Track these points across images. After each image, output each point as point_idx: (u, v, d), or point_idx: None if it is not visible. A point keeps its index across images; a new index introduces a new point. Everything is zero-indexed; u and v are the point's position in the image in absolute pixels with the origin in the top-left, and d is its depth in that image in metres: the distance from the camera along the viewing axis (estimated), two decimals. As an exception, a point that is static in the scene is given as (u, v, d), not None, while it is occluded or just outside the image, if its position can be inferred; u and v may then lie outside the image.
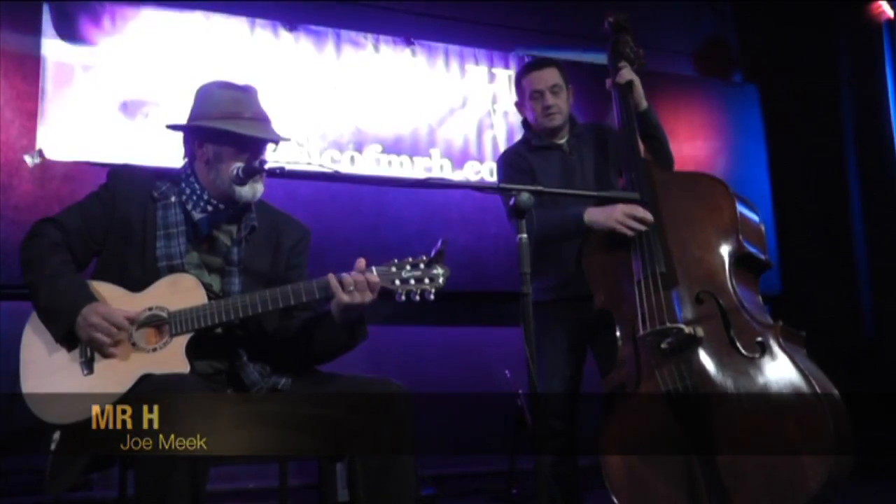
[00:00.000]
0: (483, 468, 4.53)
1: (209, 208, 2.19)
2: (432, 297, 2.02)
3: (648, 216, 2.67)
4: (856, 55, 5.69)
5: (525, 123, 3.11)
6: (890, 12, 5.47)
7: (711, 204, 2.72)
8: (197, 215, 2.19)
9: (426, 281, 2.02)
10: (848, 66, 5.73)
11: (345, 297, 2.00)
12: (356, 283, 2.00)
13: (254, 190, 2.16)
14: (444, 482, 4.35)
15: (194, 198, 2.19)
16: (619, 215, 2.68)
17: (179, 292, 2.05)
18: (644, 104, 2.97)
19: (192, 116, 2.22)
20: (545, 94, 2.95)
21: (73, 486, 2.03)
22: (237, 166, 2.12)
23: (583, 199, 2.82)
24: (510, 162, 3.04)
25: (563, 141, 3.02)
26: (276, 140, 2.18)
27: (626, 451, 2.57)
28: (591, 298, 2.78)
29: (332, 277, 2.02)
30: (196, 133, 2.19)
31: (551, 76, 2.97)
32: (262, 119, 2.19)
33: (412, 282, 2.02)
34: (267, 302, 2.04)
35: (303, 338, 2.17)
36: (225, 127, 2.11)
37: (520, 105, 3.09)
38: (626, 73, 2.97)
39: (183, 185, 2.21)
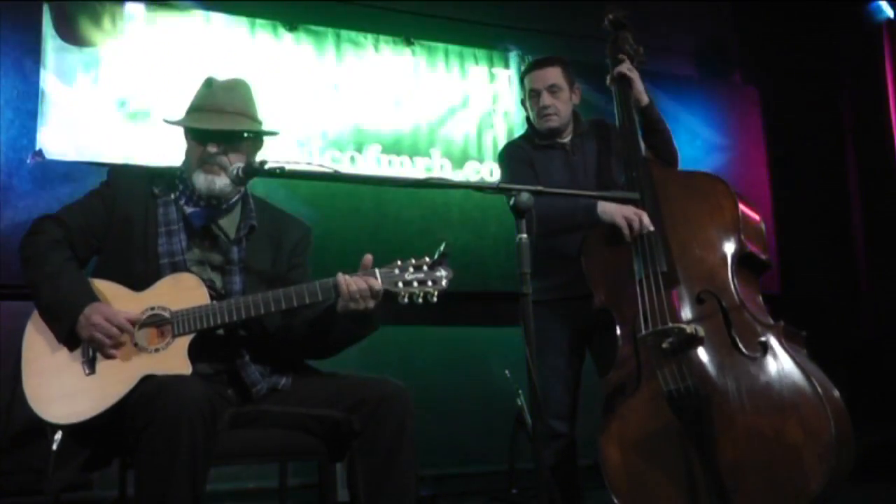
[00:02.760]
0: (483, 468, 4.53)
1: (201, 203, 2.19)
2: (435, 299, 2.02)
3: (650, 227, 2.67)
4: (856, 55, 5.69)
5: (529, 120, 3.09)
6: (890, 12, 5.46)
7: (713, 203, 2.72)
8: (188, 209, 2.19)
9: (429, 283, 2.02)
10: (848, 66, 5.73)
11: (349, 305, 2.02)
12: (360, 292, 2.01)
13: (207, 181, 2.14)
14: (444, 482, 4.35)
15: (187, 193, 2.20)
16: (628, 212, 2.68)
17: (182, 291, 2.05)
18: (645, 99, 2.96)
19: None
20: (542, 94, 2.94)
21: (73, 486, 2.02)
22: (237, 166, 2.12)
23: (585, 198, 2.82)
24: (513, 155, 3.03)
25: (566, 140, 3.01)
26: (228, 131, 2.15)
27: (627, 451, 2.57)
28: (591, 298, 2.78)
29: (340, 278, 2.02)
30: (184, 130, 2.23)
31: (551, 75, 2.95)
32: (224, 111, 2.16)
33: (415, 284, 2.02)
34: (270, 303, 2.04)
35: (309, 334, 2.18)
36: (181, 122, 2.18)
37: (524, 102, 3.08)
38: (626, 69, 2.96)
39: (177, 181, 2.22)
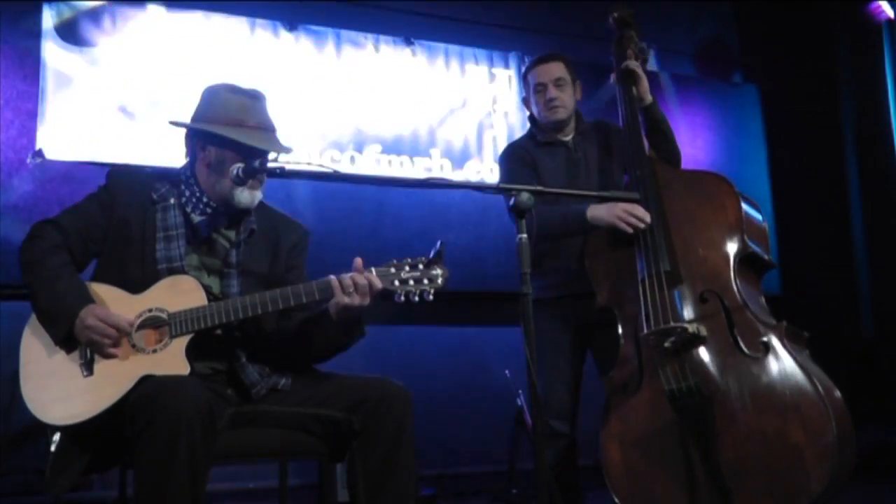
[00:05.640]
0: (483, 468, 4.53)
1: (208, 211, 2.18)
2: (431, 297, 2.02)
3: (647, 217, 2.67)
4: (856, 55, 5.69)
5: (531, 119, 3.10)
6: (890, 12, 5.46)
7: (716, 202, 2.72)
8: (196, 218, 2.18)
9: (425, 282, 2.02)
10: (848, 66, 5.72)
11: (345, 300, 2.01)
12: (357, 287, 2.00)
13: (252, 196, 2.16)
14: (444, 482, 4.35)
15: (193, 200, 2.18)
16: (620, 212, 2.69)
17: (179, 294, 2.04)
18: (649, 98, 2.96)
19: (197, 117, 2.21)
20: (548, 86, 2.95)
21: (73, 487, 2.02)
22: (237, 166, 2.12)
23: (584, 198, 2.82)
24: (513, 156, 3.04)
25: (568, 138, 3.01)
26: (279, 151, 2.18)
27: (628, 451, 2.57)
28: (593, 296, 2.78)
29: (333, 279, 2.02)
30: (199, 135, 2.19)
31: (556, 69, 2.97)
32: (267, 128, 2.19)
33: (411, 282, 2.02)
34: (267, 303, 2.04)
35: (301, 337, 2.17)
36: (228, 134, 2.11)
37: (526, 100, 3.09)
38: (634, 65, 2.97)
39: (182, 186, 2.20)
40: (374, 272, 2.03)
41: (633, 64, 2.97)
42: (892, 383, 5.07)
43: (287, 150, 2.19)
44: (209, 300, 2.07)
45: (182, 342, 2.00)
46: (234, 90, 2.20)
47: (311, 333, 2.15)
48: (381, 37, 4.86)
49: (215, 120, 2.15)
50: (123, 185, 2.20)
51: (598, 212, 2.75)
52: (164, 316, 2.02)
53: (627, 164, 2.91)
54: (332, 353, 2.21)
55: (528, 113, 3.11)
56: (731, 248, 2.65)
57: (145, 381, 1.92)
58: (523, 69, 3.18)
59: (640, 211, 2.68)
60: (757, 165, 5.73)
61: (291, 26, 4.64)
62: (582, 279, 2.82)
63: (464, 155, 4.93)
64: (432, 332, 4.63)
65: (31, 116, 4.02)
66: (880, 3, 5.49)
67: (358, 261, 2.05)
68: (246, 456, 2.17)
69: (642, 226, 2.67)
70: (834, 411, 2.34)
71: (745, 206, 2.70)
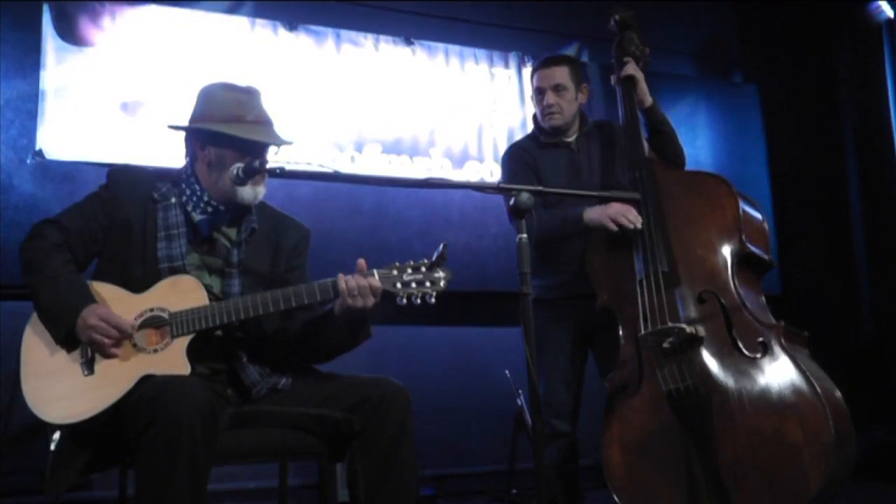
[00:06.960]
0: (483, 468, 4.54)
1: (209, 210, 2.19)
2: (433, 300, 2.02)
3: (638, 223, 2.67)
4: (856, 55, 5.69)
5: (535, 118, 3.10)
6: (890, 12, 5.46)
7: (714, 203, 2.72)
8: (197, 217, 2.18)
9: (427, 284, 2.02)
10: (848, 67, 5.72)
11: (347, 301, 2.01)
12: (359, 289, 2.00)
13: (255, 192, 2.16)
14: (444, 482, 4.35)
15: (194, 199, 2.19)
16: (611, 212, 2.69)
17: (181, 293, 2.05)
18: (649, 100, 2.97)
19: (194, 117, 2.21)
20: (546, 92, 2.95)
21: (73, 486, 2.02)
22: (237, 166, 2.12)
23: (585, 198, 2.82)
24: (515, 157, 3.04)
25: (571, 139, 3.01)
26: (279, 144, 2.18)
27: (628, 451, 2.57)
28: (594, 297, 2.78)
29: (340, 279, 2.02)
30: (198, 135, 2.19)
31: (557, 75, 2.96)
32: (265, 122, 2.19)
33: (413, 285, 2.02)
34: (268, 304, 2.04)
35: (305, 337, 2.18)
36: (226, 130, 2.11)
37: (533, 100, 3.09)
38: (630, 69, 2.97)
39: (183, 185, 2.20)
40: (375, 274, 2.03)
41: (633, 67, 2.97)
42: (892, 383, 5.07)
43: (287, 143, 2.19)
44: (210, 300, 2.07)
45: (183, 342, 2.00)
46: (229, 88, 2.21)
47: (316, 333, 2.16)
48: (381, 36, 4.85)
49: (213, 118, 2.15)
50: (124, 184, 2.20)
51: (593, 213, 2.75)
52: (166, 316, 2.03)
53: (627, 165, 2.92)
54: (337, 353, 2.21)
55: (533, 112, 3.12)
56: (729, 248, 2.66)
57: (146, 380, 1.92)
58: (528, 68, 3.18)
59: (632, 213, 2.68)
60: (757, 165, 5.72)
61: (291, 26, 4.64)
62: (583, 281, 2.82)
63: (464, 155, 4.93)
64: (432, 333, 4.62)
65: (31, 116, 4.01)
66: (880, 3, 5.49)
67: (361, 262, 2.05)
68: (246, 456, 2.17)
69: (632, 227, 2.68)
70: (832, 411, 2.35)
71: (743, 207, 2.70)
